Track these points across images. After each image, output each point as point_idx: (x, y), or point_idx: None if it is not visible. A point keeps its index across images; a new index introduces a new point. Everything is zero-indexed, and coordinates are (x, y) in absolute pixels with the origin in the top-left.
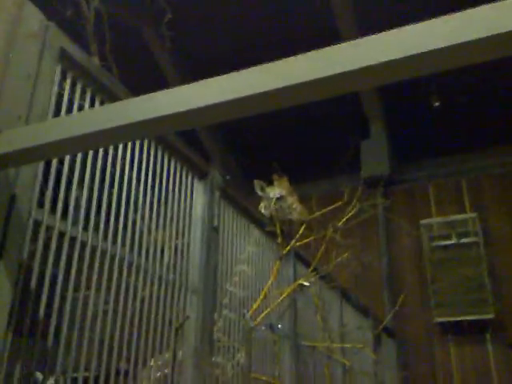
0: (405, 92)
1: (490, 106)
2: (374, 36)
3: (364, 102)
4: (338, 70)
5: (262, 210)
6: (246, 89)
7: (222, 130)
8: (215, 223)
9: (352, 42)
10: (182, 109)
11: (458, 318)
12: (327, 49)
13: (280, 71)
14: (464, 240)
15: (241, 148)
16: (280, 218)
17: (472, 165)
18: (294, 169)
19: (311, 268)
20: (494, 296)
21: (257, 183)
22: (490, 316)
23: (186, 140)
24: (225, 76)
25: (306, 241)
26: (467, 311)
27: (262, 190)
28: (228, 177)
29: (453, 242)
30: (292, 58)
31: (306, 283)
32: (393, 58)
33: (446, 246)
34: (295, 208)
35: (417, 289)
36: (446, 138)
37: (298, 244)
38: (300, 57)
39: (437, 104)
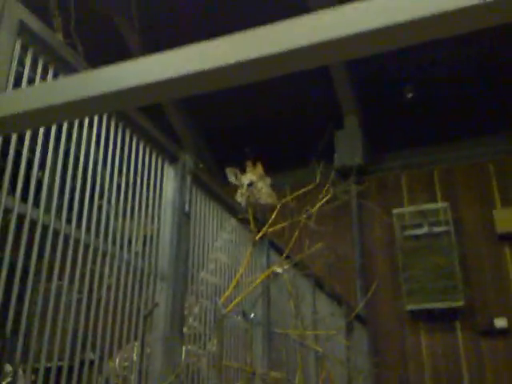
0: (379, 83)
1: (463, 98)
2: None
3: (338, 92)
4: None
5: (238, 199)
6: (211, 60)
7: (194, 114)
8: (186, 209)
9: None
10: (146, 80)
11: (429, 306)
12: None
13: (246, 42)
14: (435, 229)
15: (214, 134)
16: (252, 204)
17: (444, 156)
18: (268, 158)
19: (284, 255)
20: (464, 284)
21: (229, 171)
22: (460, 304)
23: (157, 124)
24: (191, 46)
25: (277, 227)
26: (438, 299)
27: (236, 177)
28: (201, 164)
29: (424, 231)
30: (254, 31)
31: (279, 270)
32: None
33: (417, 236)
34: (264, 192)
35: (389, 277)
36: (419, 129)
37: (270, 230)
38: (265, 28)
39: (410, 95)
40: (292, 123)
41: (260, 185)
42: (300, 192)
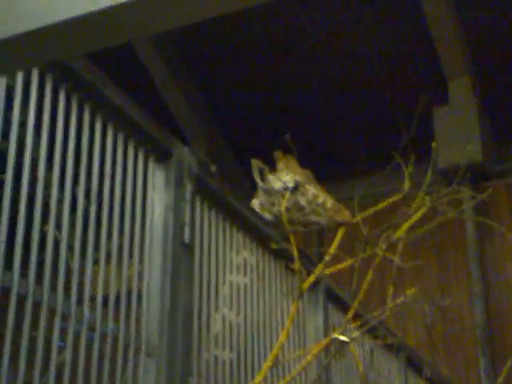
0: (503, 33)
1: None
2: None
3: (438, 47)
4: None
5: (259, 210)
6: None
7: (204, 91)
8: (186, 237)
9: None
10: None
11: None
12: None
13: None
14: None
15: (233, 120)
16: (295, 223)
17: None
18: (315, 156)
19: (351, 313)
20: None
21: (254, 163)
22: None
23: (155, 114)
24: None
25: (341, 266)
26: None
27: (262, 176)
28: (212, 165)
29: None
30: None
31: (345, 339)
32: None
33: None
34: (325, 204)
35: None
36: None
37: (328, 272)
38: None
39: None
40: (354, 100)
41: (313, 191)
42: (378, 208)
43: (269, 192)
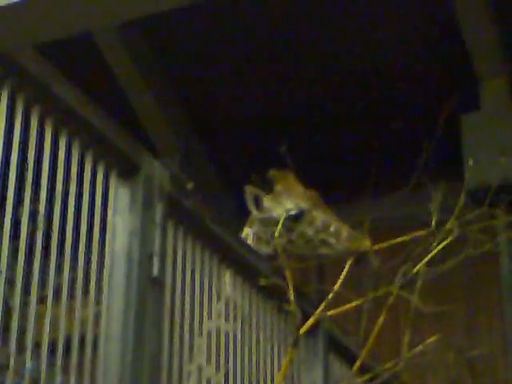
0: None
1: None
2: None
3: (472, 46)
4: None
5: (255, 241)
6: None
7: (180, 89)
8: (155, 270)
9: None
10: None
11: None
12: None
13: None
14: None
15: (218, 136)
16: (301, 258)
17: None
18: (317, 174)
19: (357, 365)
20: None
21: (248, 191)
22: None
23: (121, 121)
24: None
25: (347, 307)
26: None
27: (257, 203)
28: (188, 182)
29: None
30: None
31: None
32: None
33: None
34: (339, 234)
35: None
36: None
37: (331, 314)
38: None
39: None
40: (365, 104)
41: (321, 218)
42: (399, 240)
43: (266, 221)
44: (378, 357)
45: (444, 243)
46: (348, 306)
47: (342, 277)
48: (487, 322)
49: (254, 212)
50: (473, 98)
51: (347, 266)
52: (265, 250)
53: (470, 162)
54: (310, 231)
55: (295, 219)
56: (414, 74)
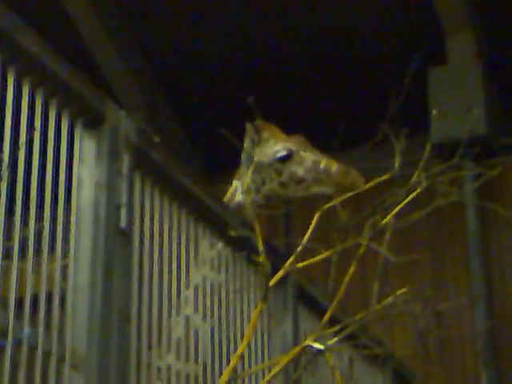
0: None
1: None
2: None
3: (438, 4)
4: None
5: (244, 192)
6: None
7: (155, 62)
8: (122, 222)
9: None
10: None
11: None
12: None
13: None
14: None
15: (185, 94)
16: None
17: None
18: (287, 124)
19: (328, 316)
20: None
21: (249, 129)
22: None
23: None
24: None
25: (316, 259)
26: None
27: (254, 140)
28: (157, 138)
29: None
30: None
31: (319, 346)
32: None
33: None
34: (330, 169)
35: None
36: None
37: (300, 266)
38: None
39: None
40: (330, 57)
41: (310, 157)
42: (362, 189)
43: (258, 167)
44: (346, 309)
45: (412, 195)
46: (317, 257)
47: (310, 229)
48: (454, 274)
49: (247, 154)
50: (440, 52)
51: (314, 219)
52: (255, 199)
53: (434, 113)
54: (300, 171)
55: (285, 161)
56: (382, 30)
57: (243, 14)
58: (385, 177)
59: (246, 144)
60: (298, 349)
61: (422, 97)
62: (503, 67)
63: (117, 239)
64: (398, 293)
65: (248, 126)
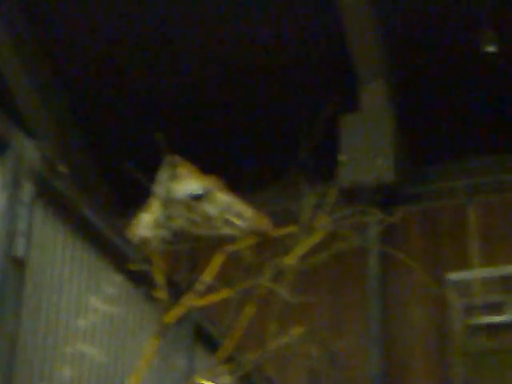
0: (427, 31)
1: None
2: None
3: (352, 43)
4: None
5: (152, 227)
6: None
7: (73, 97)
8: (19, 250)
9: None
10: None
11: None
12: None
13: None
14: None
15: (96, 124)
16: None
17: None
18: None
19: (221, 354)
20: None
21: (169, 161)
22: None
23: None
24: None
25: (216, 297)
26: None
27: (168, 177)
28: (63, 167)
29: (511, 317)
30: None
31: None
32: None
33: (496, 327)
34: (243, 213)
35: None
36: (504, 120)
37: (200, 304)
38: None
39: (491, 48)
40: (243, 100)
41: (225, 199)
42: (271, 235)
43: (168, 203)
44: (244, 348)
45: (316, 237)
46: (217, 296)
47: (213, 267)
48: (352, 316)
49: (162, 189)
50: (353, 100)
51: (219, 258)
52: (163, 234)
53: (342, 159)
54: (212, 211)
55: (198, 199)
56: (297, 74)
57: (155, 53)
58: (293, 228)
59: (160, 177)
60: None
61: (334, 143)
62: (414, 117)
63: (10, 267)
64: (293, 332)
65: (166, 160)
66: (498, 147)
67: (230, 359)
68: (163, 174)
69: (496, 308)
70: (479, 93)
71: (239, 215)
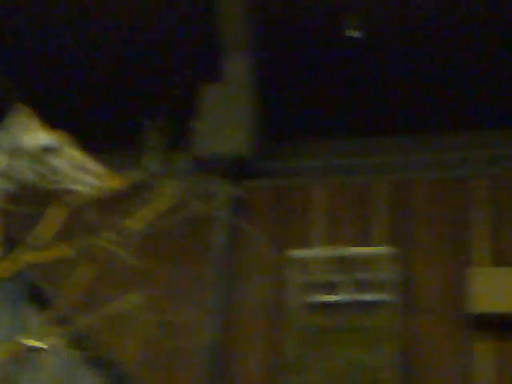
0: (296, 10)
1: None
2: None
3: (220, 22)
4: None
5: None
6: None
7: None
8: None
9: None
10: None
11: None
12: None
13: None
14: (368, 296)
15: None
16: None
17: (399, 158)
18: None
19: (50, 313)
20: None
21: (17, 110)
22: None
23: None
24: None
25: (52, 253)
26: None
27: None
28: None
29: (346, 297)
30: None
31: (38, 345)
32: None
33: (332, 306)
34: (92, 170)
35: (269, 379)
36: (358, 101)
37: (33, 259)
38: None
39: (356, 33)
40: (103, 63)
41: (75, 154)
42: (110, 190)
43: (14, 153)
44: (79, 310)
45: (163, 203)
46: (52, 252)
47: (51, 222)
48: (193, 287)
49: (8, 140)
50: (218, 71)
51: (62, 215)
52: (6, 186)
53: (196, 126)
54: (61, 165)
55: (47, 152)
56: (164, 43)
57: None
58: (140, 191)
59: (7, 126)
60: (13, 345)
61: (196, 112)
62: (275, 94)
63: None
64: (130, 299)
65: (14, 108)
66: (353, 130)
67: (62, 320)
68: (10, 123)
69: (332, 287)
70: (340, 76)
71: (88, 172)
